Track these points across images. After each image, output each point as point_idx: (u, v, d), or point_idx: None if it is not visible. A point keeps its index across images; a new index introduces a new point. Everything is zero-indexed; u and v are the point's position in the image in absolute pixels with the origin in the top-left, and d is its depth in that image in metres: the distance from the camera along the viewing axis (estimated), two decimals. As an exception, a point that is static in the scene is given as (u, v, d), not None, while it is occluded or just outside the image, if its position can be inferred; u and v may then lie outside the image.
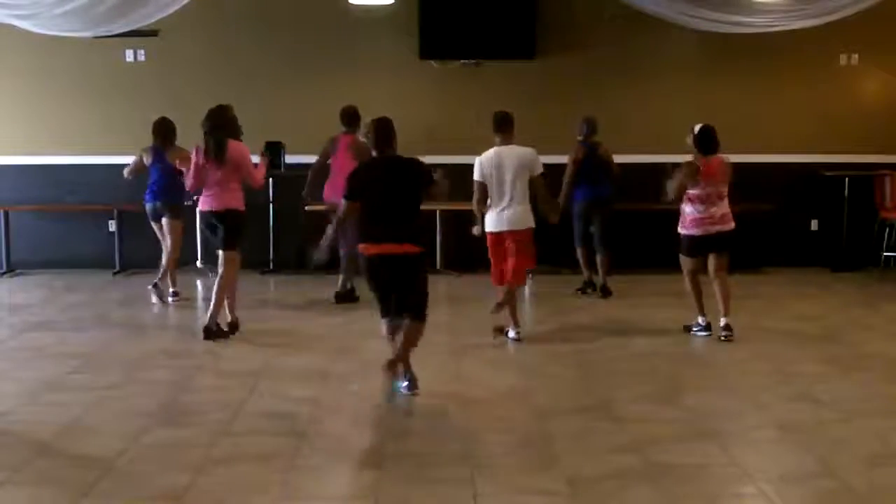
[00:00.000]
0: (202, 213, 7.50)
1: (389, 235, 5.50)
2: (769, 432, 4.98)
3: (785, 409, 5.34)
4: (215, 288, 7.16)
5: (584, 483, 4.23)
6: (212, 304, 7.14)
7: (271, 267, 10.38)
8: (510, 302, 7.03)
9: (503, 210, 6.91)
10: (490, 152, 6.97)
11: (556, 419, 5.17)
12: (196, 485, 4.21)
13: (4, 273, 10.30)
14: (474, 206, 7.03)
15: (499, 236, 6.97)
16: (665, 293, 8.84)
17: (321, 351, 6.78)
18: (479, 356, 6.65)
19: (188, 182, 7.31)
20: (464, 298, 8.82)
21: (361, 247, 5.60)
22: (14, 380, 6.01)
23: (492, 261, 7.07)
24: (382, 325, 5.80)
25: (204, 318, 7.25)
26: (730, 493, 4.23)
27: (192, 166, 7.14)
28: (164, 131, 8.58)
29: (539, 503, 4.08)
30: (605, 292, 8.84)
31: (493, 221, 6.96)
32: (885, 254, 10.20)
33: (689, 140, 7.09)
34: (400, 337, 5.61)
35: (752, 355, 6.64)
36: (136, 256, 10.32)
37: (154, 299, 8.57)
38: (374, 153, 5.73)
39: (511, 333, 7.06)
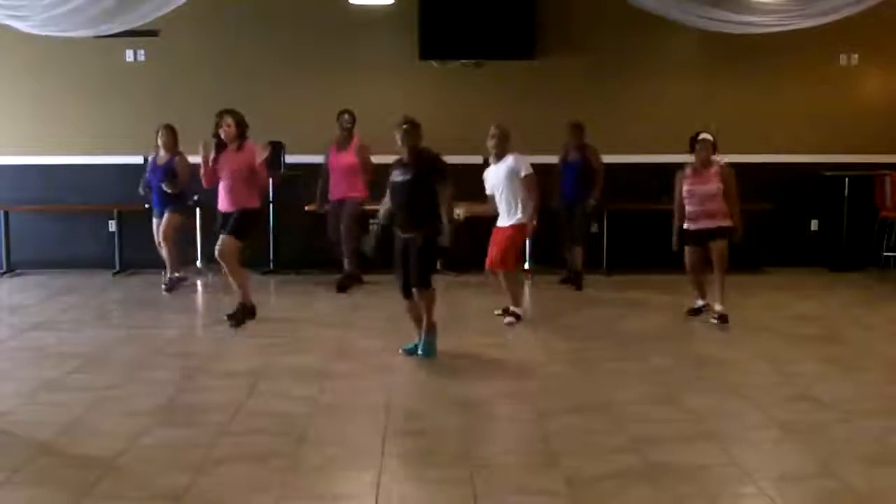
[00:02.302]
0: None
1: None
2: (769, 432, 4.97)
3: (785, 409, 5.34)
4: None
5: (584, 483, 4.23)
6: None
7: (272, 267, 10.37)
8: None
9: None
10: None
11: (556, 419, 5.17)
12: (196, 485, 4.21)
13: (4, 273, 10.30)
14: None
15: None
16: (665, 293, 8.84)
17: (321, 351, 6.78)
18: (477, 355, 6.66)
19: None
20: (461, 298, 8.82)
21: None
22: (14, 380, 6.00)
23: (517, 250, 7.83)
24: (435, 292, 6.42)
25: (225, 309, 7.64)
26: (730, 493, 4.22)
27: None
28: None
29: (539, 503, 4.08)
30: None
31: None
32: (885, 254, 10.20)
33: (709, 148, 7.24)
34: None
35: (753, 355, 6.64)
36: (136, 256, 10.32)
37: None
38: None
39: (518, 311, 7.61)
